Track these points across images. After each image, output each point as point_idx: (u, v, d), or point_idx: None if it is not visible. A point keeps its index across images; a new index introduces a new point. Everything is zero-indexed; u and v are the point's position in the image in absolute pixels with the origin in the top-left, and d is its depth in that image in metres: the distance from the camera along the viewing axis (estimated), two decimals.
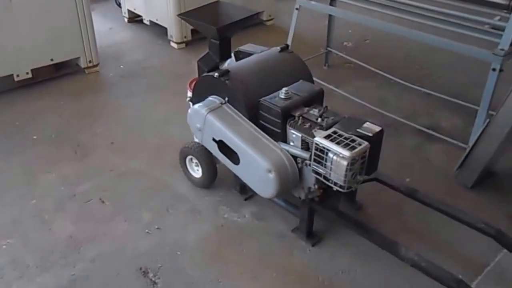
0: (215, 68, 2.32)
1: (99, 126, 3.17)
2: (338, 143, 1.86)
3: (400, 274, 2.00)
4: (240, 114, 2.17)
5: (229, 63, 2.41)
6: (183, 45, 4.41)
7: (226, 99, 2.20)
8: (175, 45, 4.40)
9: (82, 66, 3.83)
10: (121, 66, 4.06)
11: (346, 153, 1.81)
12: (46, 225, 2.35)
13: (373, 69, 3.75)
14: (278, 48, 2.44)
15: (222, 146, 2.20)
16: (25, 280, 2.06)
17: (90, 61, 3.85)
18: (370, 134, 1.92)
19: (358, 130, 1.94)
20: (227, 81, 2.17)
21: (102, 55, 4.00)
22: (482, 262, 2.19)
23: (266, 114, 2.11)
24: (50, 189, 2.59)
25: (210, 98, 2.26)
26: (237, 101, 2.16)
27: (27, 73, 3.51)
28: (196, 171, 2.55)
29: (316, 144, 1.91)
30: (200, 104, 2.25)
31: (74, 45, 3.70)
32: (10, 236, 2.28)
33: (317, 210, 2.15)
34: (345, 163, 1.82)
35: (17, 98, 3.43)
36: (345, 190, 1.91)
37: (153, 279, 2.09)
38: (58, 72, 3.77)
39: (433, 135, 3.07)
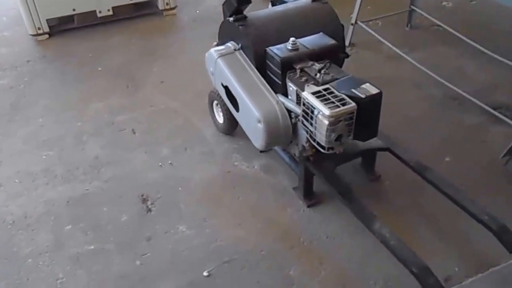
0: (237, 12, 2.36)
1: (157, 66, 3.47)
2: (324, 101, 1.83)
3: (383, 253, 1.94)
4: (249, 62, 2.22)
5: None
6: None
7: (239, 45, 2.26)
8: None
9: (160, 8, 4.14)
10: (197, 11, 4.28)
11: (326, 111, 1.78)
12: (81, 145, 2.74)
13: (459, 35, 3.39)
14: None
15: (229, 92, 2.29)
16: (49, 187, 2.47)
17: (167, 4, 4.15)
18: (363, 96, 1.84)
19: (352, 90, 1.87)
20: (240, 27, 2.22)
21: None
22: (491, 261, 1.98)
23: (270, 64, 2.14)
24: (95, 116, 2.97)
25: (228, 43, 2.34)
26: (248, 48, 2.21)
27: (108, 10, 3.94)
28: (220, 117, 2.69)
29: (303, 99, 1.89)
30: (216, 48, 2.35)
31: None
32: (51, 149, 2.71)
33: (310, 170, 2.15)
34: (326, 122, 1.79)
35: (97, 33, 3.88)
36: (326, 151, 1.88)
37: (149, 206, 2.34)
38: (138, 12, 4.14)
39: (500, 117, 2.73)
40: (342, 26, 2.36)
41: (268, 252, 2.11)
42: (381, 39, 3.42)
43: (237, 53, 2.28)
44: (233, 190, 2.42)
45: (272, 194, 2.38)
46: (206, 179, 2.49)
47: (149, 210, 2.33)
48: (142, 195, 2.40)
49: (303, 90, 1.95)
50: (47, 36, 3.84)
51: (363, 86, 1.89)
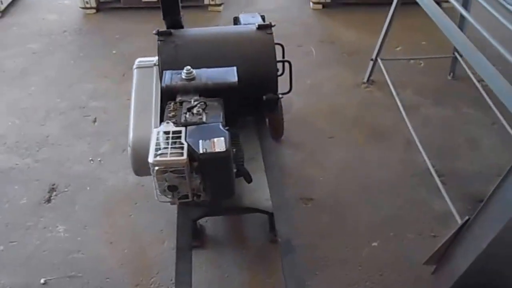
0: (172, 25, 2.26)
1: None
2: (165, 144, 1.66)
3: None
4: (159, 81, 2.12)
5: None
6: (320, 5, 4.18)
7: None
8: (312, 5, 4.22)
9: (205, 2, 4.15)
10: (243, 12, 4.18)
11: (150, 158, 1.62)
12: (45, 121, 2.95)
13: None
14: (256, 25, 2.17)
15: None
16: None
17: (212, 0, 4.14)
18: (201, 151, 1.62)
19: (199, 141, 1.65)
20: (158, 41, 2.12)
21: None
22: None
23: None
24: (76, 96, 3.16)
25: (154, 57, 2.26)
26: (160, 65, 2.11)
27: None
28: None
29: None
30: (142, 58, 2.28)
31: None
32: (19, 117, 2.99)
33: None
34: (151, 168, 1.64)
35: (138, 16, 4.06)
36: (157, 199, 1.72)
37: (51, 197, 2.44)
38: (182, 2, 4.18)
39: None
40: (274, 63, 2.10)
41: (114, 280, 2.04)
42: (390, 83, 2.95)
43: (154, 68, 2.18)
44: (131, 206, 2.37)
45: (165, 223, 2.27)
46: (116, 186, 2.48)
47: (49, 201, 2.41)
48: (53, 185, 2.50)
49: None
50: (94, 10, 4.15)
51: (215, 139, 1.66)
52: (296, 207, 2.34)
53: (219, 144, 1.65)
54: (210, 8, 4.19)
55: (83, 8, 4.14)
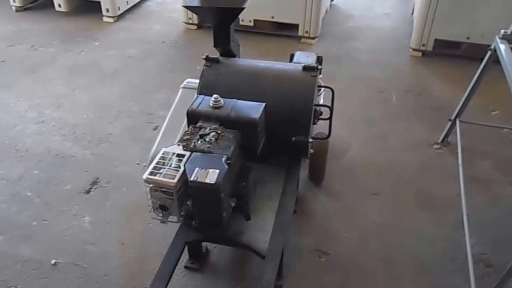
0: (225, 53, 2.34)
1: None
2: (165, 164, 1.74)
3: None
4: None
5: None
6: (420, 53, 4.00)
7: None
8: (411, 51, 4.06)
9: (299, 33, 4.22)
10: (335, 49, 4.18)
11: (145, 174, 1.70)
12: (109, 120, 3.23)
13: None
14: (302, 65, 2.16)
15: None
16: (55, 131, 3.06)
17: (306, 32, 4.20)
18: (192, 178, 1.66)
19: (196, 168, 1.70)
20: (204, 67, 2.22)
21: (338, 31, 4.25)
22: None
23: None
24: (110, 104, 3.41)
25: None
26: (198, 88, 2.20)
27: (250, 21, 4.26)
28: None
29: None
30: (191, 79, 2.41)
31: (295, 12, 4.11)
32: (60, 106, 3.30)
33: None
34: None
35: None
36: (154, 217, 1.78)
37: (91, 189, 2.64)
38: (277, 31, 4.32)
39: None
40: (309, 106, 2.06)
41: (110, 279, 2.16)
42: (460, 149, 2.69)
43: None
44: None
45: None
46: None
47: (88, 192, 2.64)
48: (97, 179, 2.73)
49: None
50: (195, 27, 4.46)
51: (210, 170, 1.69)
52: (306, 258, 2.24)
53: (211, 176, 1.67)
54: (303, 40, 4.24)
55: (186, 23, 4.48)
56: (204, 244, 2.25)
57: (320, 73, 2.34)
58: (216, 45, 2.29)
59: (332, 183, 2.68)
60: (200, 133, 1.87)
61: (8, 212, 2.50)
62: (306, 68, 2.15)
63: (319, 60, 2.44)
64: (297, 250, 2.27)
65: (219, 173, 1.68)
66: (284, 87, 2.12)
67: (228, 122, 1.92)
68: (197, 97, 2.06)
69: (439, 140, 3.02)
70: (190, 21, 4.43)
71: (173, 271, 1.83)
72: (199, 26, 4.44)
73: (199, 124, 1.94)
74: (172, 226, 2.19)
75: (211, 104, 1.98)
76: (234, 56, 2.36)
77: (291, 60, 2.48)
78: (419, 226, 2.43)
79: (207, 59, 2.25)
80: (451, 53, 3.92)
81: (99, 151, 2.93)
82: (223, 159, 1.75)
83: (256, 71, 2.22)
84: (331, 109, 2.21)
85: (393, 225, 2.43)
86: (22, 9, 4.89)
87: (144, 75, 3.76)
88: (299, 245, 2.30)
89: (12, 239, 2.35)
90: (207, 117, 1.95)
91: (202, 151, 1.80)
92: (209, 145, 1.82)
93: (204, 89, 2.15)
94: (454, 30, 3.77)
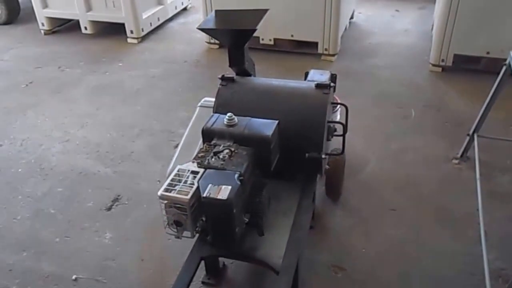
0: (241, 73, 2.41)
1: None
2: (179, 181, 1.81)
3: None
4: None
5: None
6: (439, 68, 4.00)
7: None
8: (430, 67, 4.07)
9: (318, 51, 4.28)
10: (354, 67, 4.21)
11: (160, 190, 1.77)
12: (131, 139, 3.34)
13: None
14: (315, 83, 2.22)
15: None
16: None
17: (326, 49, 4.26)
18: (204, 194, 1.72)
19: (209, 184, 1.76)
20: (220, 86, 2.30)
21: (358, 48, 4.29)
22: None
23: None
24: (124, 121, 3.51)
25: None
26: (214, 107, 2.28)
27: (270, 40, 4.34)
28: None
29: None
30: (208, 98, 2.49)
31: (314, 30, 4.18)
32: (84, 125, 3.42)
33: None
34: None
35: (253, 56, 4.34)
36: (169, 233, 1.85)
37: (113, 206, 2.74)
38: (297, 49, 4.39)
39: None
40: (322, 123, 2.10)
41: None
42: (477, 163, 2.67)
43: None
44: None
45: None
46: None
47: (109, 209, 2.73)
48: (118, 196, 2.82)
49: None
50: (217, 46, 4.58)
51: (223, 187, 1.74)
52: (323, 274, 2.26)
53: (224, 192, 1.73)
54: (323, 57, 4.30)
55: (208, 42, 4.61)
56: (221, 259, 2.30)
57: (334, 90, 2.40)
58: (231, 65, 2.36)
59: (350, 199, 2.70)
60: (214, 150, 1.93)
61: (32, 229, 2.60)
62: (318, 86, 2.20)
63: (333, 77, 2.49)
64: (313, 266, 2.29)
65: (231, 189, 1.74)
66: (297, 104, 2.18)
67: (241, 140, 1.98)
68: (212, 115, 2.13)
69: (458, 155, 3.00)
70: (212, 41, 4.55)
71: (188, 286, 1.88)
72: (221, 45, 4.54)
73: (213, 141, 2.01)
74: (191, 242, 2.26)
75: (225, 122, 2.04)
76: (249, 75, 2.43)
77: (305, 78, 2.54)
78: (437, 241, 2.41)
79: (223, 78, 2.33)
80: (471, 68, 3.90)
81: (121, 169, 3.03)
82: (236, 175, 1.80)
83: (270, 89, 2.28)
84: (344, 125, 2.25)
85: (411, 240, 2.43)
86: (50, 32, 5.13)
87: (166, 94, 3.88)
88: (315, 260, 2.32)
89: (35, 255, 2.44)
90: (221, 135, 2.02)
91: (216, 168, 1.86)
92: (222, 162, 1.88)
93: (219, 107, 2.23)
94: (473, 45, 3.76)
